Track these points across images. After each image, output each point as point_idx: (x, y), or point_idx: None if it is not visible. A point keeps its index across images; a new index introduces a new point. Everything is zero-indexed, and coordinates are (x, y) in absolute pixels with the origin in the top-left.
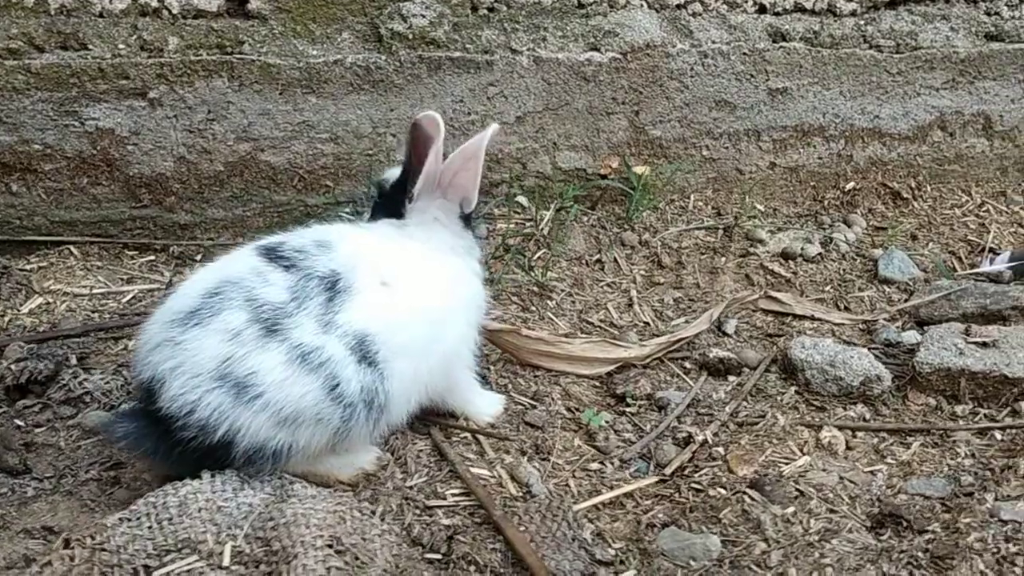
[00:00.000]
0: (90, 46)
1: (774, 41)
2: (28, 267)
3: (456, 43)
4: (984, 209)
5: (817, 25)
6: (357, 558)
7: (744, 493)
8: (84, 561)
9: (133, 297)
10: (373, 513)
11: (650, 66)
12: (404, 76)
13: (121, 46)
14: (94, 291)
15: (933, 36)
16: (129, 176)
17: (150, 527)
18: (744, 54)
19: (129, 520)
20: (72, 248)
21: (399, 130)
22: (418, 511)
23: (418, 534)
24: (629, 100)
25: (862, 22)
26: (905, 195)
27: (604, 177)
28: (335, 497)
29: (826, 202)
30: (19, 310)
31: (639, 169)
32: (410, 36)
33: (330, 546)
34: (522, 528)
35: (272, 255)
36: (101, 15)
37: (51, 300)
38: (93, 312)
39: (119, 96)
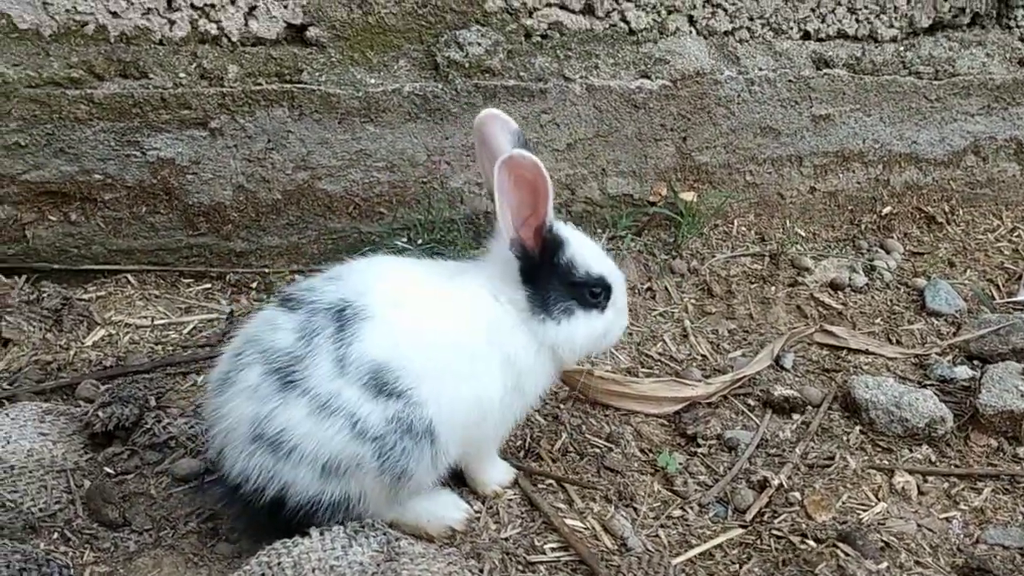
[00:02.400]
0: (151, 75)
1: (818, 68)
2: (87, 296)
3: (511, 71)
4: (1016, 234)
5: (859, 51)
6: None
7: (836, 546)
8: None
9: (194, 328)
10: (481, 571)
11: (699, 93)
12: (460, 104)
13: (182, 75)
14: (155, 322)
15: (970, 63)
16: (188, 205)
17: None
18: (789, 81)
19: None
20: (129, 276)
21: (453, 158)
22: (520, 567)
23: None
24: (677, 127)
25: (902, 48)
26: (939, 219)
27: (653, 204)
28: (444, 556)
29: (863, 226)
30: (83, 343)
31: (687, 195)
32: (466, 64)
33: None
34: None
35: (284, 302)
36: (161, 43)
37: (114, 332)
38: (156, 344)
39: (180, 126)
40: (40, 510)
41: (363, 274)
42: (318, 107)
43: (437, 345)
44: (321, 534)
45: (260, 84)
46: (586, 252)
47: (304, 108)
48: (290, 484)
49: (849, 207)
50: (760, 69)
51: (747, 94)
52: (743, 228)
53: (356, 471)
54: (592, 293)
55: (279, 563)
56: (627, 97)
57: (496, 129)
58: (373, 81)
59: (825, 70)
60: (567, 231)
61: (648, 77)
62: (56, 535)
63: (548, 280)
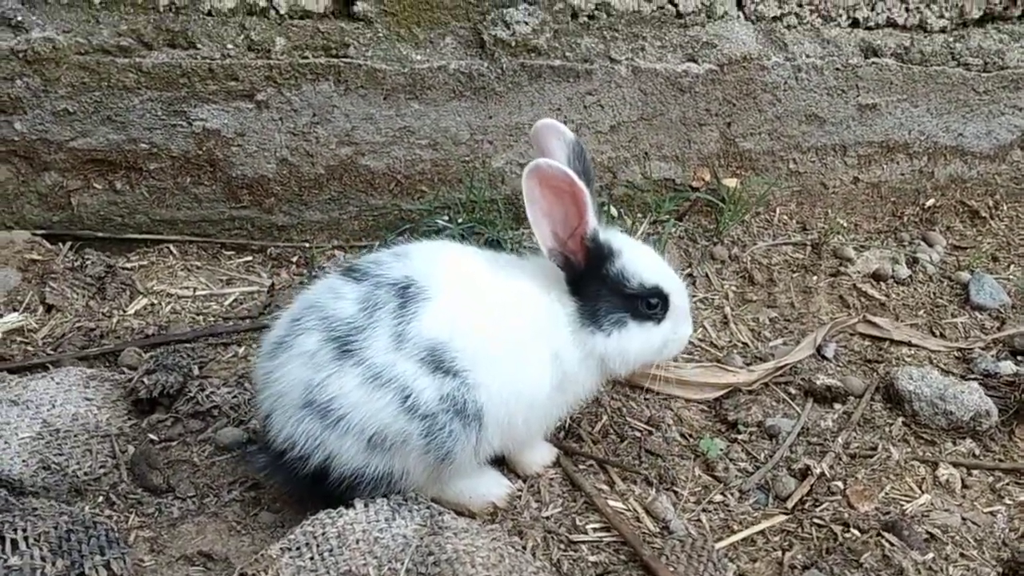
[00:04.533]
0: (199, 45)
1: (866, 56)
2: (129, 266)
3: (556, 51)
4: None
5: (908, 41)
6: None
7: (881, 536)
8: None
9: (235, 300)
10: (524, 548)
11: (745, 78)
12: (505, 83)
13: (229, 46)
14: (197, 292)
15: (1020, 55)
16: (231, 177)
17: (312, 558)
18: (837, 69)
19: (290, 551)
20: (171, 247)
21: (496, 137)
22: (563, 546)
23: (568, 571)
24: (722, 112)
25: (951, 39)
26: (983, 214)
27: (695, 189)
28: (487, 532)
29: (905, 218)
30: (126, 311)
31: (729, 182)
32: (512, 43)
33: None
34: (671, 569)
35: (349, 272)
36: (210, 13)
37: (156, 301)
38: (198, 315)
39: (227, 97)
40: (85, 474)
41: (429, 255)
42: (364, 82)
43: (493, 332)
44: (365, 506)
45: (307, 57)
46: (639, 261)
47: (350, 83)
48: (335, 454)
49: (892, 199)
50: (807, 56)
51: (793, 81)
52: (785, 216)
53: (401, 447)
54: (648, 304)
55: (323, 533)
56: (673, 80)
57: (551, 139)
58: (419, 57)
59: (873, 59)
60: (619, 239)
61: (695, 61)
62: (101, 499)
63: (598, 291)
